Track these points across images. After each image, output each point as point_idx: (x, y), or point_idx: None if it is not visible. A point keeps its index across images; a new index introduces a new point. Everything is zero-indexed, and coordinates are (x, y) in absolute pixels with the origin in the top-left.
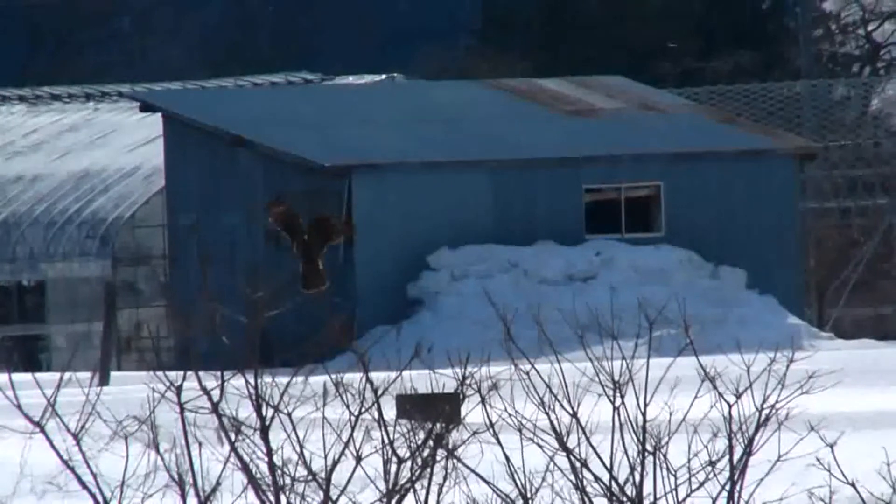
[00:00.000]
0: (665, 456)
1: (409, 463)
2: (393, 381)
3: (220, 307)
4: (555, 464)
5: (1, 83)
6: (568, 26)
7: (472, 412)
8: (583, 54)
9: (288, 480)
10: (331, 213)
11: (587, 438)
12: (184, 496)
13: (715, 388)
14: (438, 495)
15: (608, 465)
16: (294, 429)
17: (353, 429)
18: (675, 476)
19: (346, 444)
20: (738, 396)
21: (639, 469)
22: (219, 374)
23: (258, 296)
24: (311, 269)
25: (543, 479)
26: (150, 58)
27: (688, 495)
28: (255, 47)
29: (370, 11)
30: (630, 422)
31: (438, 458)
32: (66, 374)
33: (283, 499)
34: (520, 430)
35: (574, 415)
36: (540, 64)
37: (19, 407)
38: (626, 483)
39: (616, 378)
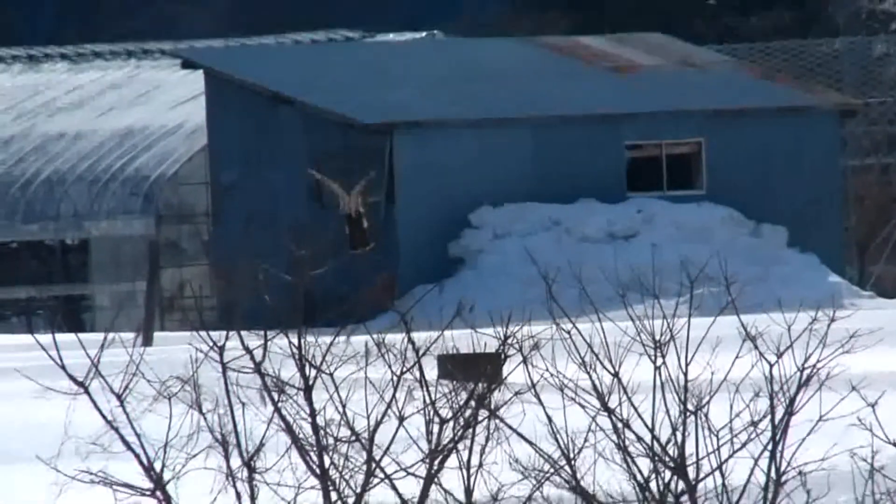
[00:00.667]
0: (707, 416)
1: (451, 423)
2: (435, 341)
3: (263, 266)
4: (597, 424)
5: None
6: None
7: (513, 372)
8: (620, 13)
9: (331, 441)
10: (372, 170)
11: (629, 398)
12: (227, 456)
13: (756, 347)
14: (481, 455)
15: (650, 426)
16: (337, 389)
17: (395, 389)
18: (717, 436)
19: (389, 405)
20: (780, 356)
21: (681, 429)
22: (262, 333)
23: (302, 254)
24: (357, 230)
25: (586, 440)
26: (181, 25)
27: (730, 456)
28: (285, 12)
29: None
30: (672, 381)
31: (480, 418)
32: (110, 335)
33: (326, 459)
34: (561, 390)
35: (616, 374)
36: (579, 22)
37: (63, 367)
38: (668, 443)
39: (657, 337)
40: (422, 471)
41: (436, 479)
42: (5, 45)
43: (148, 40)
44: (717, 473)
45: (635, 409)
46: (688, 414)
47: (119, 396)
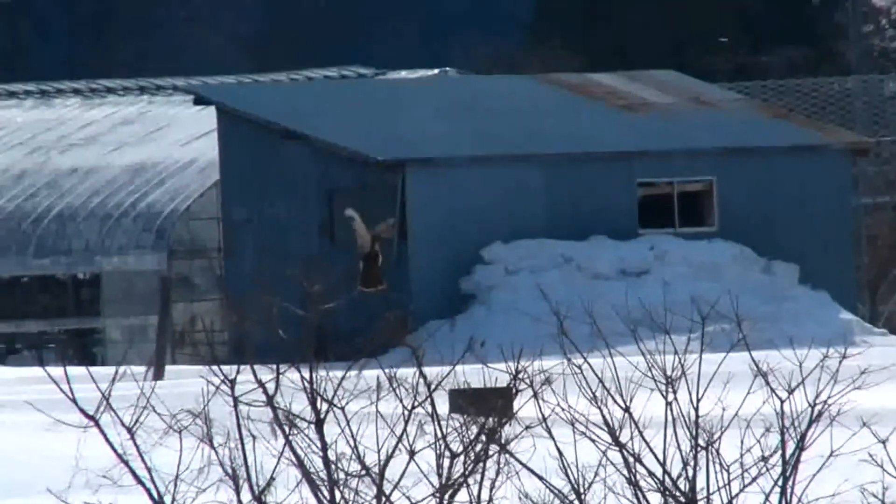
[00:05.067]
0: (717, 451)
1: (461, 458)
2: (446, 376)
3: (276, 300)
4: (607, 458)
5: (44, 71)
6: (620, 20)
7: (524, 407)
8: (634, 49)
9: (342, 475)
10: (383, 209)
11: (640, 433)
12: (238, 491)
13: (767, 383)
14: (491, 490)
15: (661, 460)
16: (348, 423)
17: (406, 423)
18: (727, 471)
19: (400, 439)
20: (791, 392)
21: (691, 464)
22: (273, 367)
23: (315, 289)
24: (370, 269)
25: (596, 474)
26: (193, 47)
27: (740, 490)
28: (302, 39)
29: (423, 3)
30: (683, 417)
31: (491, 452)
32: (121, 368)
33: (336, 493)
34: (572, 425)
35: (626, 409)
36: (592, 57)
37: (74, 401)
38: (678, 478)
39: (669, 373)
40: None
41: None
42: (18, 68)
43: (160, 69)
44: None
45: (646, 444)
46: (699, 449)
47: (129, 429)
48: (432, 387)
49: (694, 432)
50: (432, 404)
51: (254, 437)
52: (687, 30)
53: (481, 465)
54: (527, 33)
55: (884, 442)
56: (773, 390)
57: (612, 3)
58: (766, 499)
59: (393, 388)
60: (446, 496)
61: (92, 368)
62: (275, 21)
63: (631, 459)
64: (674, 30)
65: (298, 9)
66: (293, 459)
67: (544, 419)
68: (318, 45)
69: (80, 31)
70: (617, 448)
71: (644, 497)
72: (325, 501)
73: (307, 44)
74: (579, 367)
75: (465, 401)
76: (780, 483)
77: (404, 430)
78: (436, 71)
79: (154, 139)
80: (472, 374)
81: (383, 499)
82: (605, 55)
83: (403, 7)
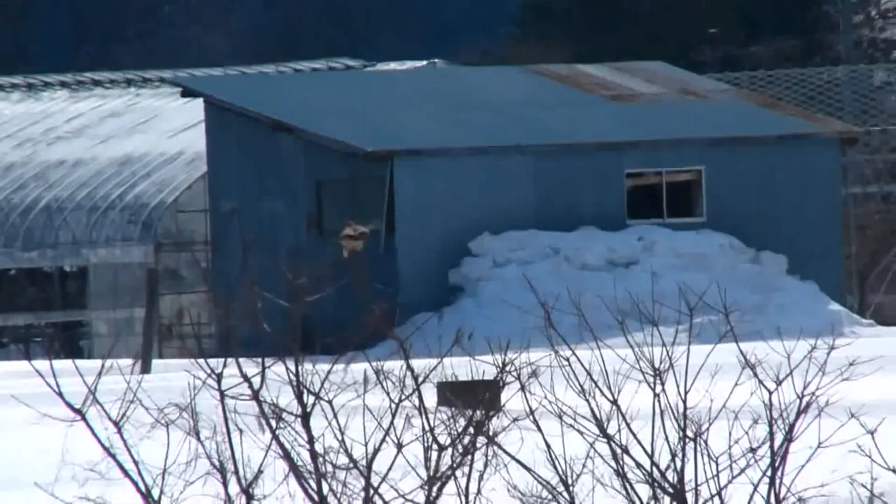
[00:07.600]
0: (706, 442)
1: (449, 450)
2: (434, 369)
3: (262, 293)
4: (595, 450)
5: (46, 72)
6: (609, 13)
7: (512, 399)
8: (624, 41)
9: (329, 468)
10: (372, 201)
11: (628, 425)
12: (225, 484)
13: (755, 374)
14: (479, 482)
15: (649, 452)
16: (335, 416)
17: (393, 416)
18: (716, 462)
19: (387, 432)
20: (779, 383)
21: (680, 455)
22: (260, 360)
23: (300, 282)
24: (351, 234)
25: (584, 466)
26: (195, 46)
27: (729, 482)
28: (300, 36)
29: (416, 3)
30: (671, 408)
31: (479, 445)
32: (108, 362)
33: (324, 486)
34: (560, 417)
35: (614, 401)
36: (580, 51)
37: (60, 395)
38: (667, 469)
39: (657, 365)
40: (420, 497)
41: None
42: (20, 70)
43: (158, 65)
44: (715, 499)
45: (634, 436)
46: (687, 440)
47: (116, 423)
48: (420, 380)
49: (682, 424)
50: (420, 397)
51: (241, 431)
52: (676, 21)
53: (469, 457)
54: (515, 27)
55: (871, 433)
56: (761, 382)
57: None
58: (755, 490)
59: (380, 381)
60: (434, 489)
61: (78, 362)
62: (274, 21)
63: (619, 451)
64: (663, 21)
65: (297, 8)
66: (280, 453)
67: (532, 411)
68: (313, 43)
69: (82, 33)
70: (605, 440)
71: (632, 489)
72: (312, 494)
73: (303, 42)
74: (567, 360)
75: (452, 393)
76: (768, 474)
77: (392, 422)
78: (424, 62)
79: (141, 131)
80: (460, 367)
81: (371, 492)
82: (594, 48)
83: (395, 3)
